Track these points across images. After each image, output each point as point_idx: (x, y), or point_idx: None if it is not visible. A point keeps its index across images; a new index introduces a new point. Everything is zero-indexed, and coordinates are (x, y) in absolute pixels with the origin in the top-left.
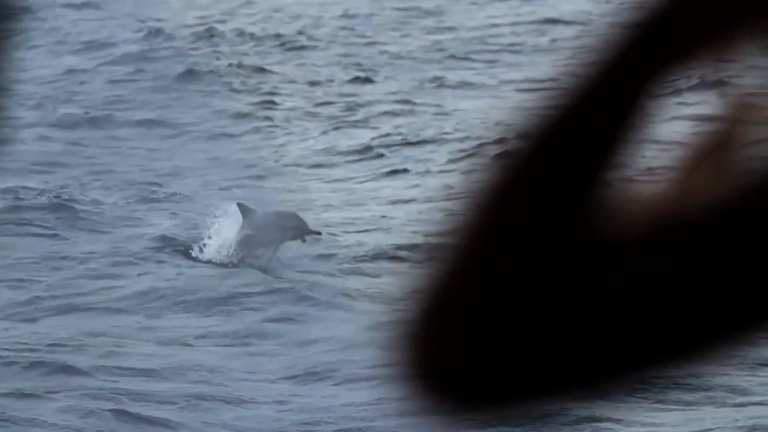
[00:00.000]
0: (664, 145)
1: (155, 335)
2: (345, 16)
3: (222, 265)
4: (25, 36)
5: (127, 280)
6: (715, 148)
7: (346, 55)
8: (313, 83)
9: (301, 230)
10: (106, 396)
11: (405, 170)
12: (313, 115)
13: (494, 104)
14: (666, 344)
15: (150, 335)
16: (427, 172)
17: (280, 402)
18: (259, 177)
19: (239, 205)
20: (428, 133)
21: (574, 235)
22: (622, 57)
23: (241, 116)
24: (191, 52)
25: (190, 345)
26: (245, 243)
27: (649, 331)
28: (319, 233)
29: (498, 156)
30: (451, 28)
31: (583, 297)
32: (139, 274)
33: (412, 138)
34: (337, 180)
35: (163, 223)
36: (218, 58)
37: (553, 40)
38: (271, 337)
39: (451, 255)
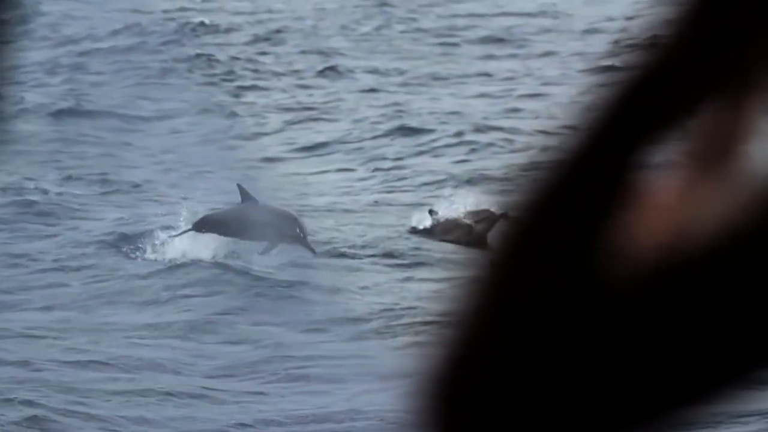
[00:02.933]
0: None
1: (89, 329)
2: (315, 9)
3: (170, 260)
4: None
5: (70, 275)
6: (714, 164)
7: (315, 49)
8: (280, 77)
9: (297, 239)
10: (29, 388)
11: (357, 166)
12: (278, 109)
13: (455, 96)
14: (685, 388)
15: (84, 330)
16: (377, 169)
17: (200, 397)
18: (215, 171)
19: (239, 187)
20: (386, 127)
21: (581, 287)
22: (619, 116)
23: (207, 110)
24: (163, 46)
25: (125, 339)
26: (236, 228)
27: (668, 377)
28: (314, 252)
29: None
30: (415, 20)
31: (594, 347)
32: (84, 268)
33: (368, 134)
34: (292, 174)
35: (115, 217)
36: (189, 52)
37: (519, 34)
38: (208, 332)
39: (462, 318)
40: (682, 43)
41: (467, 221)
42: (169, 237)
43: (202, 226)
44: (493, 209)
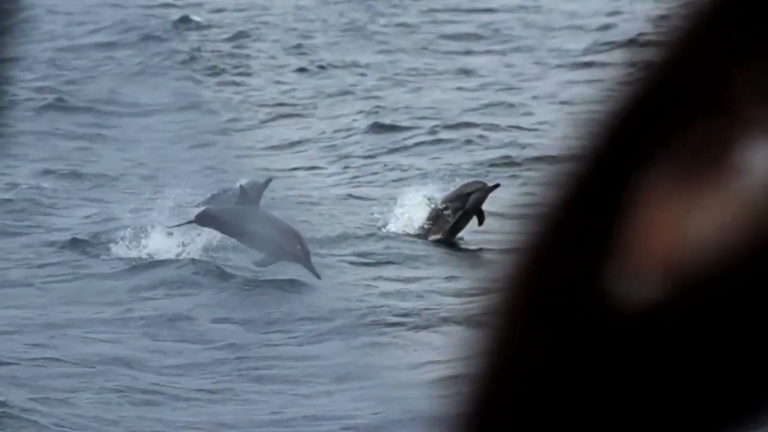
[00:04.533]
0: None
1: (49, 327)
2: (296, 5)
3: (139, 258)
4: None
5: (35, 272)
6: (716, 174)
7: (295, 45)
8: (260, 73)
9: (298, 258)
10: None
11: (331, 163)
12: (256, 104)
13: (433, 92)
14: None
15: (44, 327)
16: (350, 166)
17: (156, 395)
18: (191, 168)
19: (241, 188)
20: (363, 123)
21: (591, 314)
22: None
23: (185, 106)
24: (143, 41)
25: (85, 337)
26: (236, 230)
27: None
28: (318, 275)
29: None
30: (397, 15)
31: (610, 376)
32: (50, 266)
33: (344, 131)
34: (263, 169)
35: (87, 214)
36: (169, 48)
37: (500, 29)
38: (169, 330)
39: (491, 320)
40: (682, 54)
41: (456, 201)
42: (168, 227)
43: (203, 219)
44: (483, 182)
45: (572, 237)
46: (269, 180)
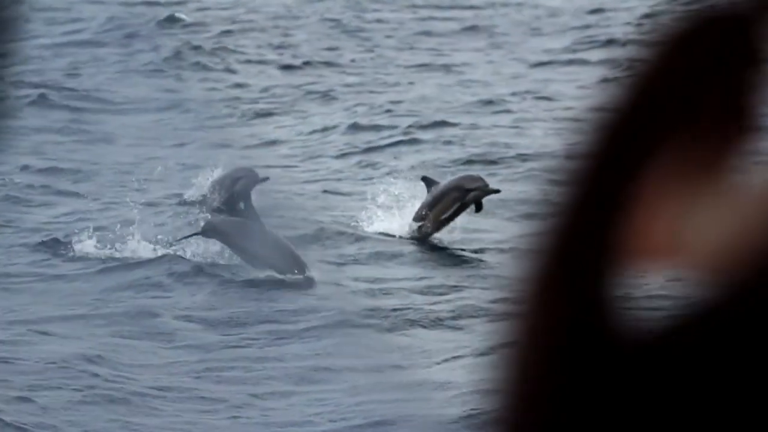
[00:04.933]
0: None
1: (17, 323)
2: (280, 5)
3: (109, 257)
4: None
5: (5, 270)
6: (716, 175)
7: (281, 43)
8: (246, 70)
9: (298, 269)
10: None
11: (307, 162)
12: (243, 101)
13: (418, 89)
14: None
15: (5, 324)
16: (327, 165)
17: (116, 392)
18: (173, 166)
19: (243, 198)
20: (346, 121)
21: (597, 337)
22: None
23: (169, 104)
24: (129, 39)
25: (52, 338)
26: (237, 245)
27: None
28: (314, 282)
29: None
30: (381, 11)
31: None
32: (20, 264)
33: (325, 130)
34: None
35: (62, 211)
36: (156, 45)
37: (478, 27)
38: (128, 327)
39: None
40: (683, 55)
41: (456, 190)
42: (175, 241)
43: (209, 231)
44: (483, 179)
45: (575, 239)
46: (265, 178)
